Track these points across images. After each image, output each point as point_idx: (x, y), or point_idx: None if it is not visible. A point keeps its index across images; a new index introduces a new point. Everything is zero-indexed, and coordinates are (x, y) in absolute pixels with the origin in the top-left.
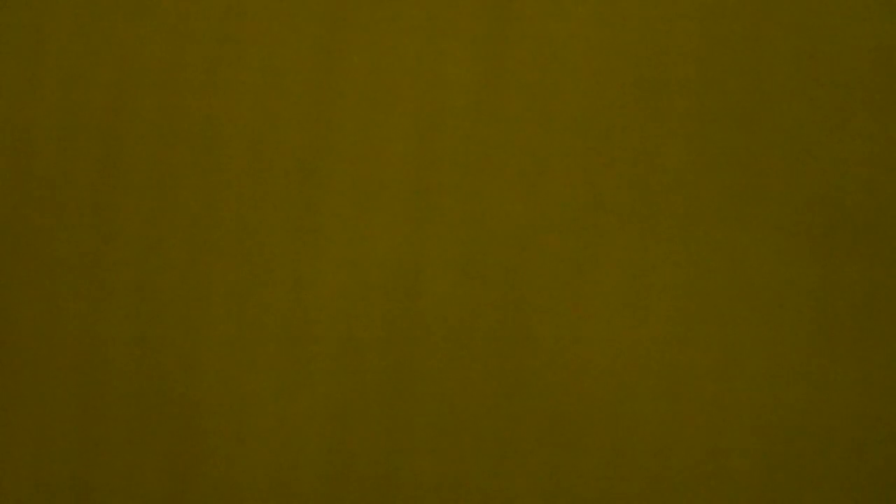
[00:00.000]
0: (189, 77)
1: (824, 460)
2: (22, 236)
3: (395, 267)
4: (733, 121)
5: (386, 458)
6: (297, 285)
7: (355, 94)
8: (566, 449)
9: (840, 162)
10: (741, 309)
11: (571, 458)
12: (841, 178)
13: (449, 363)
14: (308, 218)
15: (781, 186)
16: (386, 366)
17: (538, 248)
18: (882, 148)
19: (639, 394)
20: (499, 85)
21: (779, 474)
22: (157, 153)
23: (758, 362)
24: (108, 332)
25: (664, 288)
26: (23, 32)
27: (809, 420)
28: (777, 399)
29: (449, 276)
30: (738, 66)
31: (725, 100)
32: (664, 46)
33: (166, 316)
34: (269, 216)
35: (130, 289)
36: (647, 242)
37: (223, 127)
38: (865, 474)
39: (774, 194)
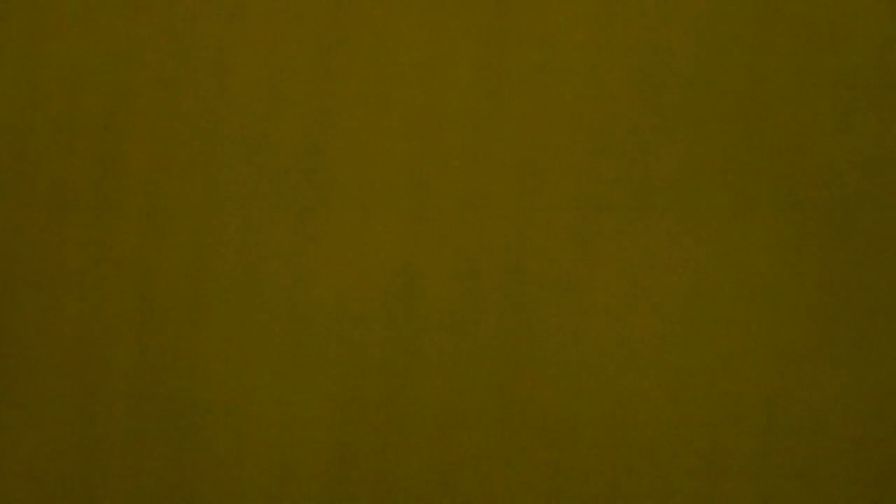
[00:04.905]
0: (189, 77)
1: (825, 458)
2: (22, 237)
3: (395, 267)
4: (734, 119)
5: (386, 458)
6: (298, 285)
7: (355, 94)
8: (566, 448)
9: (840, 160)
10: (742, 307)
11: (571, 458)
12: (841, 176)
13: (449, 363)
14: (308, 218)
15: (781, 184)
16: (386, 366)
17: (538, 247)
18: (882, 147)
19: (639, 392)
20: (499, 84)
21: (779, 473)
22: (157, 153)
23: (758, 360)
24: (108, 332)
25: (664, 286)
26: (23, 32)
27: (810, 417)
28: (778, 396)
29: (449, 276)
30: (738, 63)
31: (726, 97)
32: (664, 44)
33: (166, 316)
34: (269, 217)
35: (131, 289)
36: (648, 241)
37: (223, 127)
38: (865, 474)
39: (774, 193)
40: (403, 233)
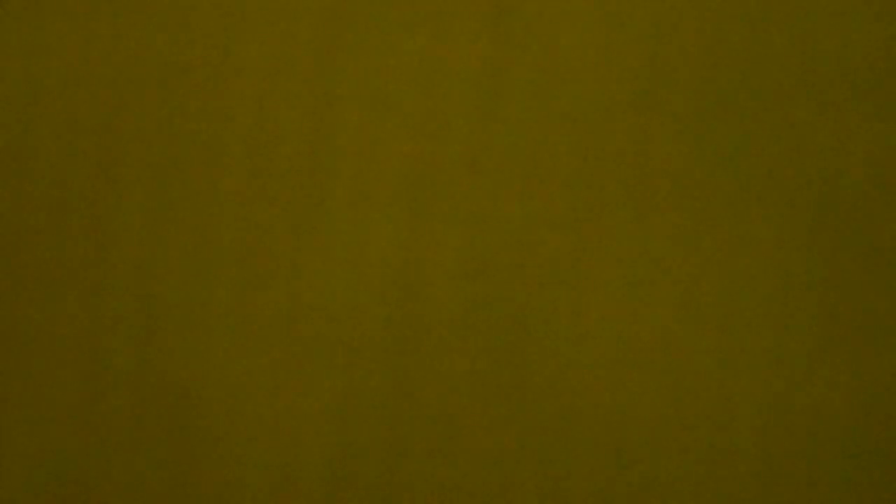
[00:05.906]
0: (189, 77)
1: (825, 458)
2: (22, 237)
3: (395, 267)
4: (733, 119)
5: (386, 458)
6: (297, 285)
7: (355, 94)
8: (566, 447)
9: (840, 159)
10: (742, 307)
11: (571, 457)
12: (841, 176)
13: (449, 362)
14: (308, 218)
15: (781, 184)
16: (386, 365)
17: (538, 246)
18: (882, 147)
19: (639, 391)
20: (499, 84)
21: (779, 473)
22: (157, 153)
23: (758, 358)
24: (108, 332)
25: (664, 285)
26: (23, 32)
27: (810, 417)
28: (777, 394)
29: (449, 276)
30: (737, 64)
31: (725, 98)
32: (664, 45)
33: (166, 316)
34: (269, 216)
35: (130, 289)
36: (648, 240)
37: (223, 127)
38: (866, 474)
39: (774, 192)
40: (403, 233)
